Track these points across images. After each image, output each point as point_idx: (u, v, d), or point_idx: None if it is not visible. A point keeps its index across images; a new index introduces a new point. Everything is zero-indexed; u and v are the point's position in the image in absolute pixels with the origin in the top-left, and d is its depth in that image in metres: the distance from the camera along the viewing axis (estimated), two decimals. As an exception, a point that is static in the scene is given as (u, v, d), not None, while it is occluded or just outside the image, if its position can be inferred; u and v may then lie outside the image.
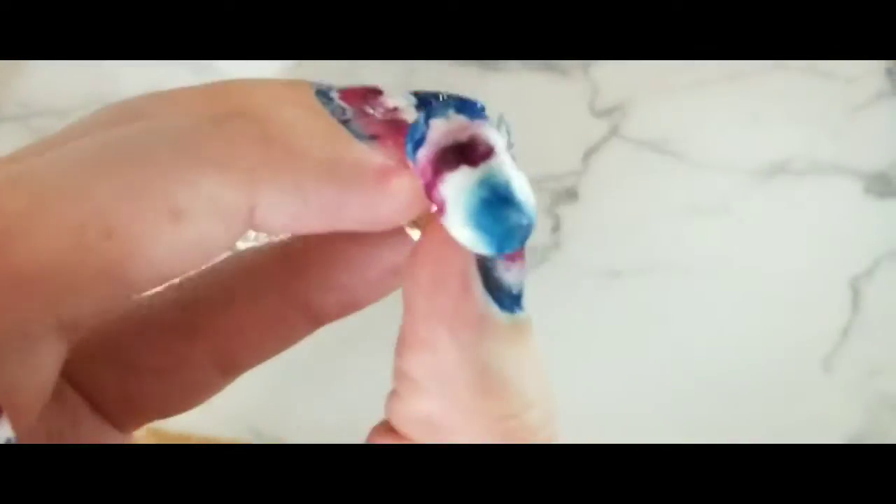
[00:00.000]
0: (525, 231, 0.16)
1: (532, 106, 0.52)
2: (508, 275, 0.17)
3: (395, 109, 0.17)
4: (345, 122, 0.17)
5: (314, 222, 0.17)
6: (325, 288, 0.20)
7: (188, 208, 0.15)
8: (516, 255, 0.17)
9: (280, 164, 0.16)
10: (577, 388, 0.55)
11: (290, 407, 0.52)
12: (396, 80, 0.52)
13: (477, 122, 0.16)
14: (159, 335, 0.20)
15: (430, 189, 0.16)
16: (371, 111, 0.17)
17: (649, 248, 0.54)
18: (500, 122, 0.17)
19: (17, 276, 0.15)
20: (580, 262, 0.53)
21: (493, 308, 0.17)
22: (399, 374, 0.18)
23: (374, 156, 0.17)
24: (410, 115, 0.17)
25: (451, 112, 0.16)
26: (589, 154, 0.52)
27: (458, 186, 0.16)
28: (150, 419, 0.20)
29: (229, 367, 0.20)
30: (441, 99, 0.18)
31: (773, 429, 0.55)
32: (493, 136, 0.16)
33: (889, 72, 0.54)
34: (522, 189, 0.16)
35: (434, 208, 0.17)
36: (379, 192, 0.17)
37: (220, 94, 0.17)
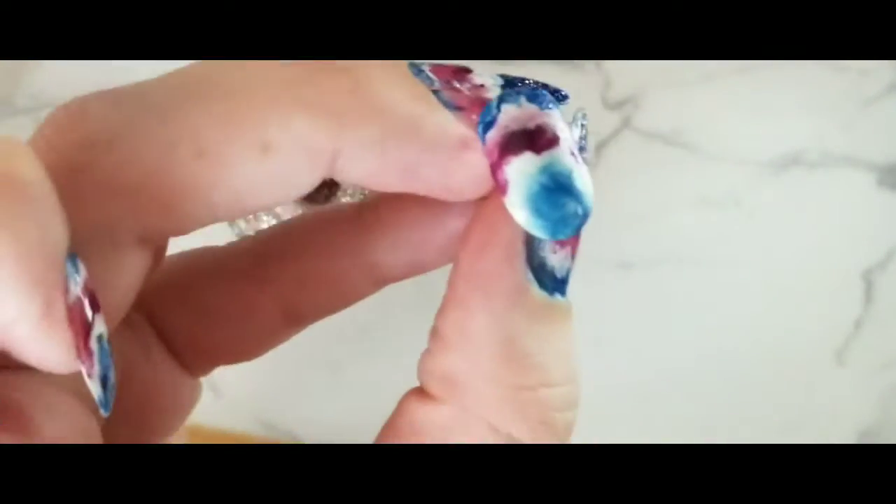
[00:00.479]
0: (580, 220, 0.17)
1: (544, 98, 0.52)
2: (553, 257, 0.18)
3: (482, 87, 0.18)
4: (434, 92, 0.18)
5: (391, 178, 0.17)
6: (393, 247, 0.20)
7: (277, 143, 0.16)
8: (566, 241, 0.18)
9: (367, 115, 0.17)
10: (587, 379, 0.55)
11: (300, 399, 0.52)
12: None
13: (546, 111, 0.17)
14: (232, 281, 0.21)
15: (494, 170, 0.17)
16: (458, 86, 0.18)
17: (661, 240, 0.54)
18: (577, 116, 0.18)
19: (109, 182, 0.16)
20: (592, 254, 0.53)
21: (532, 284, 0.18)
22: (433, 332, 0.18)
23: (457, 125, 0.17)
24: (495, 94, 0.18)
25: (523, 100, 0.17)
26: (601, 146, 0.52)
27: (520, 170, 0.17)
28: (218, 364, 0.22)
29: (294, 318, 0.21)
30: (528, 83, 0.18)
31: (786, 421, 0.55)
32: (560, 126, 0.17)
33: (902, 63, 0.54)
34: (582, 180, 0.17)
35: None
36: (456, 160, 0.17)
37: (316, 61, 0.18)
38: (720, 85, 0.53)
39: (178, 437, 0.22)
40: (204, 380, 0.22)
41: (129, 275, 0.17)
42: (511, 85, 0.18)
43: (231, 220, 0.18)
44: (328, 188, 0.45)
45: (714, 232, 0.54)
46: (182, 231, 0.17)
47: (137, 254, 0.17)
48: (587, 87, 0.52)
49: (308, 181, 0.17)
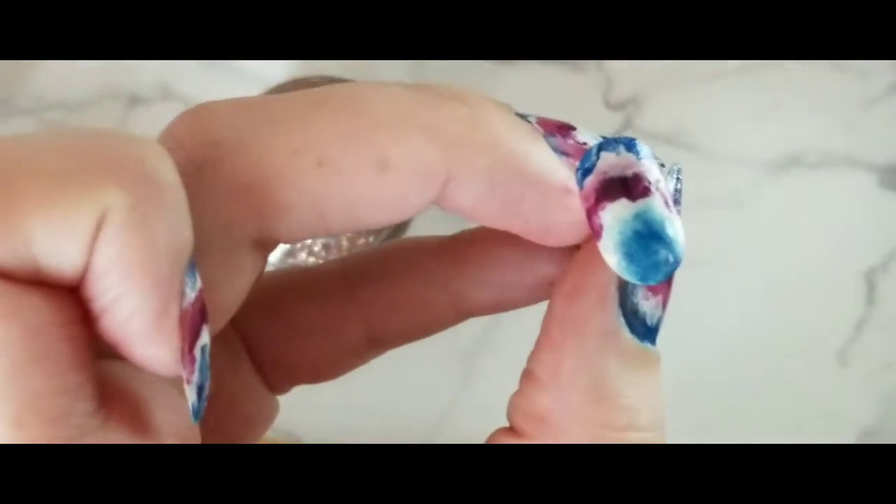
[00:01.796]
0: (671, 267, 0.17)
1: (546, 99, 0.52)
2: (646, 303, 0.18)
3: (584, 145, 0.18)
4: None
5: (493, 211, 0.18)
6: (481, 283, 0.21)
7: (394, 162, 0.17)
8: (659, 289, 0.18)
9: (481, 146, 0.17)
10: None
11: (306, 402, 0.52)
12: (406, 75, 0.52)
13: (643, 161, 0.18)
14: (321, 301, 0.21)
15: (590, 214, 0.17)
16: (562, 140, 0.18)
17: (662, 241, 0.54)
18: (672, 172, 0.18)
19: (233, 181, 0.16)
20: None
21: (623, 329, 0.18)
22: (525, 373, 0.19)
23: (562, 168, 0.18)
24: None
25: (622, 149, 0.18)
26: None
27: (615, 216, 0.17)
28: (299, 382, 0.22)
29: (377, 341, 0.22)
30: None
31: (788, 422, 0.55)
32: (655, 176, 0.17)
33: (904, 64, 0.54)
34: (674, 229, 0.17)
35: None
36: (558, 201, 0.18)
37: (434, 85, 0.18)
38: (722, 85, 0.53)
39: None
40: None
41: (240, 277, 0.17)
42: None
43: (342, 234, 0.19)
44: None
45: (716, 232, 0.54)
46: (294, 238, 0.17)
47: (250, 258, 0.17)
48: (588, 88, 0.52)
49: (419, 203, 0.17)
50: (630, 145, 0.18)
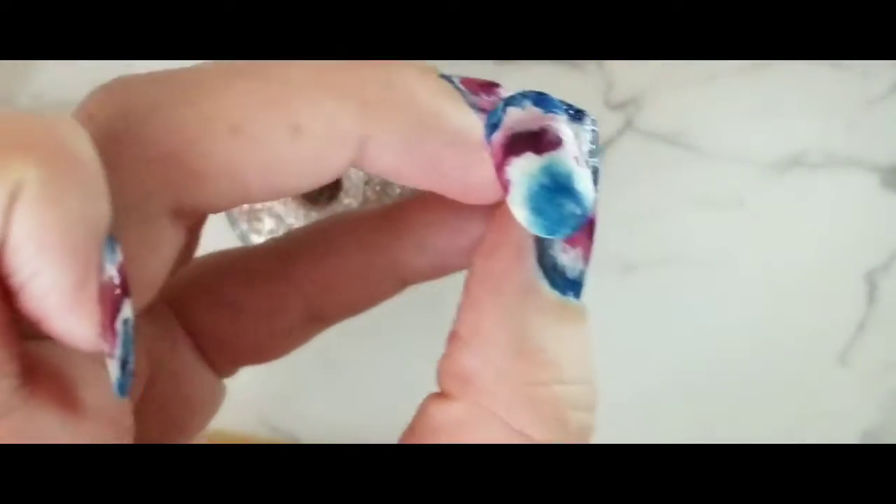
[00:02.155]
0: (578, 220, 0.17)
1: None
2: (564, 256, 0.18)
3: None
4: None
5: (414, 171, 0.18)
6: (416, 248, 0.21)
7: (307, 126, 0.17)
8: (576, 241, 0.18)
9: (396, 107, 0.17)
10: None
11: (305, 402, 0.52)
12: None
13: (551, 115, 0.18)
14: (258, 279, 0.21)
15: (498, 170, 0.17)
16: (486, 98, 0.18)
17: (663, 241, 0.54)
18: (586, 122, 0.18)
19: (145, 151, 0.16)
20: (594, 255, 0.53)
21: (542, 283, 0.18)
22: (450, 335, 0.19)
23: (479, 125, 0.18)
24: None
25: (528, 103, 0.18)
26: (604, 147, 0.52)
27: (521, 170, 0.17)
28: (242, 363, 0.22)
29: (319, 318, 0.22)
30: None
31: (788, 423, 0.55)
32: (563, 129, 0.18)
33: (905, 64, 0.54)
34: (582, 182, 0.17)
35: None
36: (476, 159, 0.18)
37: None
38: (723, 85, 0.53)
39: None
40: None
41: (161, 250, 0.17)
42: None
43: (264, 201, 0.19)
44: (330, 190, 0.45)
45: (716, 233, 0.54)
46: (214, 208, 0.17)
47: (170, 229, 0.17)
48: (589, 88, 0.52)
49: (336, 166, 0.17)
50: (539, 100, 0.18)
